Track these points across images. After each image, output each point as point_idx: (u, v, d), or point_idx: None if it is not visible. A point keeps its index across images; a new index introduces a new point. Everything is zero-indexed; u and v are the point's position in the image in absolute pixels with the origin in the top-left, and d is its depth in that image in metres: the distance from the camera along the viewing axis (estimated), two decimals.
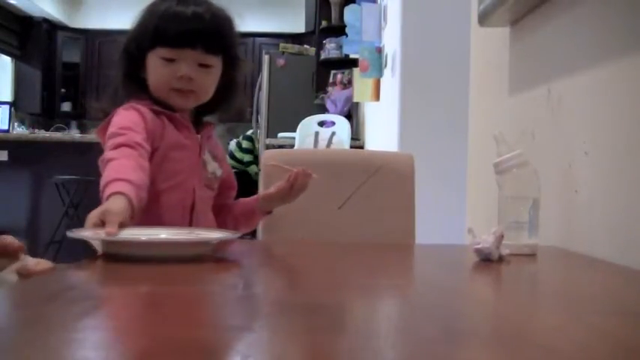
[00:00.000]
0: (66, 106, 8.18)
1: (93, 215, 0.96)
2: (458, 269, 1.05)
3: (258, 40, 8.52)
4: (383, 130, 3.88)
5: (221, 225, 1.29)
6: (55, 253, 4.62)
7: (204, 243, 0.99)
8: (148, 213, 1.09)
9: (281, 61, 5.64)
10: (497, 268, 0.96)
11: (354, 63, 4.65)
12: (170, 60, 1.21)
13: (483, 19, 1.62)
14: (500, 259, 0.98)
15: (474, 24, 1.87)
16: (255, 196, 1.36)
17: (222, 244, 1.02)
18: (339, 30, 5.20)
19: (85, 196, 4.67)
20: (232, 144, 6.77)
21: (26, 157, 5.40)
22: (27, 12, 7.78)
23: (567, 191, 1.24)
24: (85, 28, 8.50)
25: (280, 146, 4.60)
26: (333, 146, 4.40)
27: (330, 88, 5.39)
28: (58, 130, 7.02)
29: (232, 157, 6.59)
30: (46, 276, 0.91)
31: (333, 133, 4.52)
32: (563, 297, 0.79)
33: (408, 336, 0.56)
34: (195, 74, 1.21)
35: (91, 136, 5.06)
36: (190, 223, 1.20)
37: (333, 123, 4.67)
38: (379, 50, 3.77)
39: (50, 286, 0.77)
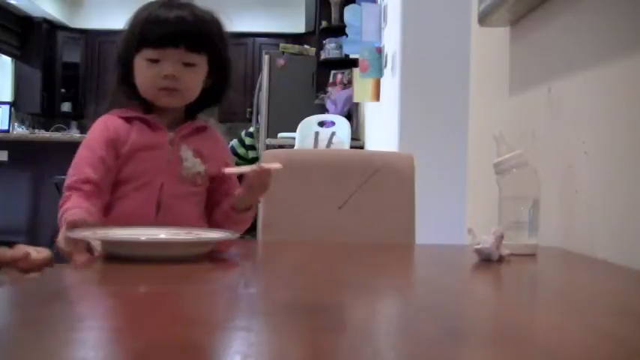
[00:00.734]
0: (66, 106, 8.17)
1: (60, 240, 1.08)
2: (458, 269, 1.05)
3: (258, 40, 8.52)
4: (383, 130, 3.88)
5: (213, 219, 1.32)
6: (55, 253, 4.62)
7: (204, 243, 0.99)
8: (115, 211, 1.23)
9: (281, 61, 5.64)
10: (497, 268, 0.96)
11: (354, 63, 4.65)
12: (155, 61, 1.25)
13: (483, 19, 1.62)
14: (501, 259, 0.98)
15: (474, 24, 1.87)
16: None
17: (222, 244, 1.02)
18: (339, 30, 5.20)
19: None
20: (234, 141, 6.79)
21: (26, 157, 5.41)
22: (27, 12, 7.78)
23: (567, 191, 1.24)
24: (85, 28, 8.50)
25: (280, 146, 4.60)
26: (333, 146, 4.40)
27: (330, 88, 5.38)
28: (58, 130, 7.02)
29: (235, 153, 6.60)
30: (46, 272, 0.91)
31: (333, 133, 4.52)
32: (563, 297, 0.79)
33: (408, 336, 0.56)
34: (180, 73, 1.25)
35: None
36: (156, 219, 1.23)
37: (333, 123, 4.67)
38: (379, 50, 3.77)
39: (50, 286, 0.77)
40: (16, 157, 5.41)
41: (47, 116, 8.05)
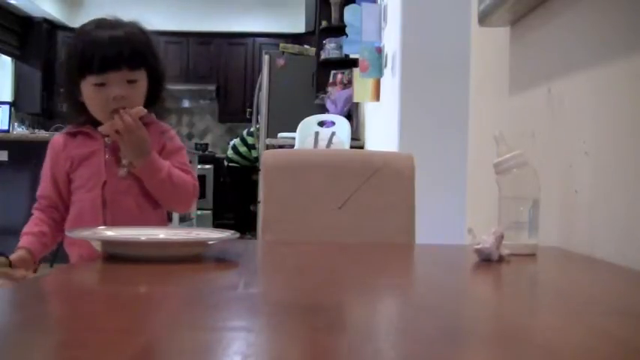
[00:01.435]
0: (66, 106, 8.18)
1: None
2: (458, 269, 1.05)
3: (258, 40, 8.52)
4: (383, 130, 3.88)
5: (152, 198, 1.45)
6: (54, 253, 4.62)
7: (203, 243, 0.99)
8: (72, 213, 1.43)
9: (281, 61, 5.64)
10: (497, 268, 0.96)
11: (354, 63, 4.65)
12: (101, 85, 1.37)
13: (483, 19, 1.62)
14: (500, 259, 0.98)
15: (474, 24, 1.87)
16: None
17: (222, 244, 1.02)
18: (339, 30, 5.20)
19: None
20: (236, 140, 6.80)
21: (26, 157, 5.40)
22: (27, 12, 7.78)
23: (567, 191, 1.24)
24: None
25: (280, 146, 4.60)
26: (333, 146, 4.40)
27: (330, 88, 5.38)
28: (58, 130, 6.99)
29: (237, 152, 6.61)
30: (44, 276, 0.91)
31: (333, 133, 4.52)
32: (563, 297, 0.79)
33: (408, 336, 0.56)
34: (126, 92, 1.38)
35: None
36: (104, 215, 1.40)
37: (333, 123, 4.68)
38: (379, 50, 3.77)
39: (50, 286, 0.77)
40: (16, 157, 5.41)
41: (47, 116, 8.04)
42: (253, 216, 6.51)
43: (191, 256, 0.94)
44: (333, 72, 5.48)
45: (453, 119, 2.95)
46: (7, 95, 7.80)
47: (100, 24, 1.42)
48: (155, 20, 8.83)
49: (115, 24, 1.42)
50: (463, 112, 2.14)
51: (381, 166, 1.66)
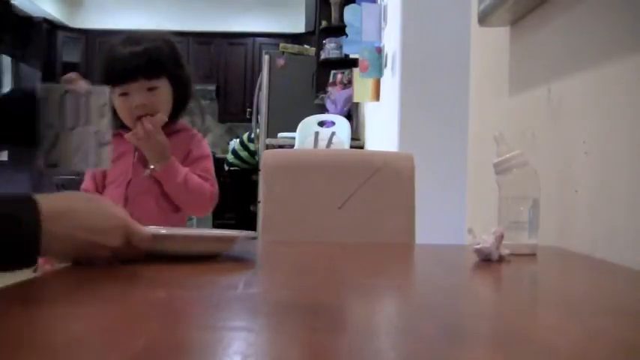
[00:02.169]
0: None
1: None
2: (458, 269, 1.05)
3: (258, 40, 8.52)
4: (383, 130, 3.88)
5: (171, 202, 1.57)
6: None
7: (228, 239, 1.01)
8: None
9: (281, 61, 5.64)
10: (497, 268, 0.96)
11: (354, 63, 4.65)
12: (124, 94, 1.51)
13: (483, 19, 1.62)
14: (500, 259, 0.98)
15: (474, 24, 1.88)
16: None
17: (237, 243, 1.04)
18: (339, 30, 5.20)
19: None
20: (235, 143, 6.79)
21: (26, 157, 5.40)
22: (27, 12, 7.79)
23: (567, 191, 1.24)
24: (85, 28, 8.50)
25: (280, 146, 4.60)
26: (333, 146, 4.40)
27: (330, 88, 5.38)
28: None
29: (237, 156, 6.61)
30: (46, 272, 0.91)
31: (333, 133, 4.52)
32: (563, 297, 0.79)
33: (408, 336, 0.56)
34: (146, 99, 1.51)
35: None
36: (125, 209, 1.47)
37: (333, 123, 4.68)
38: (379, 50, 3.77)
39: (50, 286, 0.77)
40: (16, 157, 5.41)
41: None
42: (253, 216, 6.51)
43: (210, 255, 0.95)
44: (333, 72, 5.48)
45: (453, 119, 2.95)
46: None
47: (125, 40, 1.55)
48: (155, 20, 8.84)
49: (138, 39, 1.54)
50: (463, 112, 2.14)
51: (381, 166, 1.66)
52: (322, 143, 4.44)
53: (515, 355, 0.50)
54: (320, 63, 5.64)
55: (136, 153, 1.56)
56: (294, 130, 4.61)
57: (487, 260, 0.98)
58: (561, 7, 1.32)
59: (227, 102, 8.62)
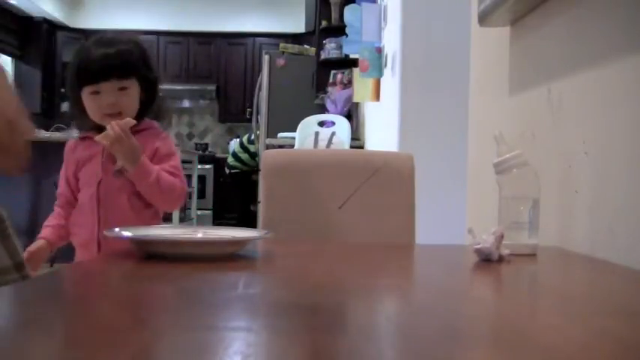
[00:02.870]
0: (66, 106, 8.08)
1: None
2: (458, 269, 1.05)
3: (258, 40, 8.53)
4: (383, 130, 3.88)
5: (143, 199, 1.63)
6: (54, 253, 4.62)
7: (241, 242, 1.03)
8: (75, 209, 1.65)
9: (281, 61, 5.64)
10: (497, 268, 0.96)
11: (354, 63, 4.65)
12: (96, 92, 1.57)
13: (483, 19, 1.62)
14: (501, 259, 0.98)
15: (474, 24, 1.88)
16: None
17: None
18: (339, 30, 5.20)
19: None
20: (235, 145, 6.78)
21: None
22: (27, 12, 7.78)
23: (567, 191, 1.24)
24: (85, 28, 8.50)
25: (280, 146, 4.60)
26: (333, 146, 4.40)
27: (330, 88, 5.38)
28: (58, 130, 7.01)
29: (237, 158, 6.60)
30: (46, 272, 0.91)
31: (333, 133, 4.52)
32: (563, 297, 0.79)
33: (408, 336, 0.56)
34: (117, 98, 1.58)
35: None
36: (99, 211, 1.61)
37: (333, 123, 4.67)
38: (379, 50, 3.77)
39: (50, 286, 0.77)
40: None
41: (47, 116, 8.04)
42: (253, 216, 6.51)
43: (224, 255, 0.97)
44: (333, 72, 5.48)
45: (453, 119, 2.95)
46: None
47: (97, 42, 1.61)
48: (155, 20, 8.86)
49: (110, 41, 1.61)
50: (463, 112, 2.14)
51: (381, 166, 1.66)
52: (322, 143, 4.44)
53: (515, 355, 0.50)
54: (320, 63, 5.64)
55: (104, 152, 1.61)
56: (294, 130, 4.61)
57: (487, 260, 0.98)
58: (561, 7, 1.32)
59: (227, 102, 8.62)
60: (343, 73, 5.38)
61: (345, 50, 4.94)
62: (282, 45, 6.00)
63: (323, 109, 5.32)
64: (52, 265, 3.94)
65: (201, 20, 8.55)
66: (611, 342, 0.54)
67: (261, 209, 1.68)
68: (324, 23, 5.80)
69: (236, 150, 6.68)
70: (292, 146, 4.49)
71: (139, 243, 1.00)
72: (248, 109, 7.66)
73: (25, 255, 1.49)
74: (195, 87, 8.48)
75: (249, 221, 6.51)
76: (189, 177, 6.66)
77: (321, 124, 4.69)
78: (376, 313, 0.68)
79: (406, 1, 3.17)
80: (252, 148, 6.40)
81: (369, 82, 3.99)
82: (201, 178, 7.78)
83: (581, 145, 1.18)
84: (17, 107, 0.92)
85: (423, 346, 0.51)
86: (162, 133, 1.72)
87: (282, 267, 1.00)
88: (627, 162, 1.03)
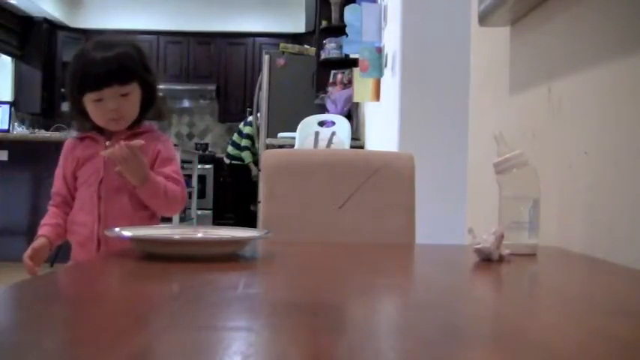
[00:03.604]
0: (66, 106, 8.06)
1: (26, 255, 1.58)
2: (458, 269, 1.05)
3: (258, 40, 8.53)
4: (383, 130, 3.88)
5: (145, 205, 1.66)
6: (54, 252, 4.62)
7: (241, 242, 1.03)
8: (75, 204, 1.67)
9: (281, 61, 5.64)
10: (497, 268, 0.96)
11: (354, 63, 4.65)
12: (98, 100, 1.60)
13: (483, 18, 1.62)
14: (501, 259, 0.98)
15: (474, 24, 1.88)
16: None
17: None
18: (339, 30, 5.20)
19: None
20: (234, 136, 6.80)
21: (26, 157, 5.40)
22: (27, 12, 7.79)
23: (567, 191, 1.24)
24: (85, 28, 8.51)
25: (280, 146, 4.60)
26: (333, 146, 4.40)
27: (330, 88, 5.38)
28: (58, 130, 7.02)
29: (238, 146, 6.62)
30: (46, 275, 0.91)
31: (333, 133, 4.51)
32: (563, 297, 0.79)
33: (408, 336, 0.56)
34: (119, 104, 1.61)
35: None
36: (99, 209, 1.63)
37: (333, 123, 4.67)
38: (379, 50, 3.77)
39: (50, 286, 0.77)
40: (16, 157, 5.41)
41: (47, 116, 8.05)
42: (253, 216, 6.51)
43: (225, 255, 0.97)
44: (333, 72, 5.48)
45: (453, 119, 2.95)
46: (7, 95, 7.80)
47: (96, 45, 1.62)
48: (155, 20, 8.86)
49: (109, 44, 1.62)
50: (463, 112, 2.14)
51: (381, 166, 1.66)
52: (322, 143, 4.44)
53: (515, 355, 0.50)
54: (320, 63, 5.64)
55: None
56: (294, 130, 4.61)
57: (487, 260, 0.98)
58: (561, 7, 1.32)
59: (227, 102, 8.62)
60: (343, 73, 5.38)
61: (345, 50, 4.94)
62: (282, 45, 6.00)
63: (323, 109, 5.32)
64: (52, 265, 3.94)
65: (201, 20, 8.56)
66: (610, 342, 0.54)
67: (261, 209, 1.68)
68: (324, 23, 5.79)
69: (234, 138, 6.68)
70: (292, 146, 4.49)
71: (139, 243, 1.00)
72: (248, 109, 7.66)
73: (29, 252, 1.58)
74: (195, 87, 8.48)
75: (249, 221, 6.51)
76: (189, 177, 6.66)
77: (321, 124, 4.68)
78: (376, 312, 0.68)
79: (406, 1, 3.17)
80: (245, 129, 6.41)
81: (369, 82, 3.98)
82: (201, 178, 7.78)
83: (581, 144, 1.18)
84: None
85: (423, 346, 0.51)
86: (162, 135, 1.75)
87: (282, 267, 1.00)
88: (627, 162, 1.03)
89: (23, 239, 5.20)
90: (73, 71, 1.63)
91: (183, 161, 6.23)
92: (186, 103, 8.70)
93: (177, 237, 1.04)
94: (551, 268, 1.08)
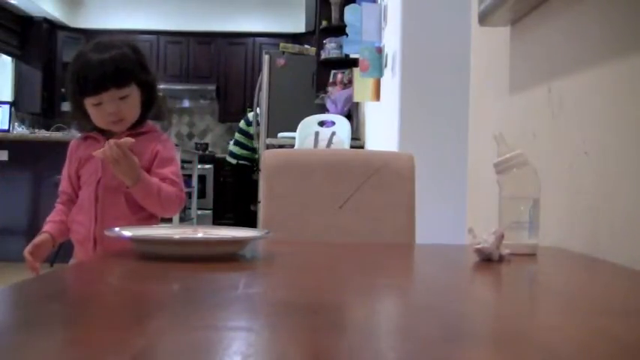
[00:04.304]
0: (66, 106, 8.08)
1: (26, 251, 1.62)
2: (458, 269, 1.05)
3: (258, 40, 8.53)
4: (383, 130, 3.88)
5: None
6: (54, 253, 4.62)
7: (241, 242, 1.03)
8: (75, 206, 1.70)
9: (281, 61, 5.64)
10: (497, 268, 0.96)
11: (354, 63, 4.65)
12: (98, 104, 1.62)
13: (484, 18, 1.62)
14: (501, 259, 0.98)
15: (474, 24, 1.88)
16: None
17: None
18: (339, 30, 5.20)
19: None
20: (236, 135, 6.78)
21: (26, 157, 5.41)
22: (27, 12, 7.78)
23: (567, 191, 1.24)
24: (85, 28, 8.51)
25: (280, 146, 4.60)
26: (333, 146, 4.40)
27: (330, 88, 5.38)
28: (58, 129, 7.02)
29: (243, 146, 6.58)
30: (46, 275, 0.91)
31: (333, 133, 4.51)
32: (563, 297, 0.79)
33: (408, 336, 0.56)
34: (118, 107, 1.62)
35: None
36: (96, 208, 1.65)
37: (333, 123, 4.67)
38: (379, 50, 3.77)
39: (50, 286, 0.77)
40: (16, 157, 5.41)
41: (47, 116, 8.05)
42: (253, 216, 6.50)
43: (225, 255, 0.97)
44: (333, 72, 5.48)
45: (453, 119, 2.95)
46: (7, 95, 7.80)
47: (94, 47, 1.64)
48: (155, 20, 8.85)
49: (105, 46, 1.63)
50: (463, 112, 2.14)
51: (381, 166, 1.66)
52: (322, 143, 4.44)
53: (515, 355, 0.50)
54: (320, 63, 5.64)
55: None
56: (294, 130, 4.61)
57: (487, 260, 0.98)
58: (562, 7, 1.32)
59: (227, 102, 8.62)
60: (343, 73, 5.38)
61: (345, 50, 4.94)
62: (282, 45, 6.00)
63: (323, 109, 5.32)
64: (52, 265, 3.94)
65: (201, 20, 8.55)
66: (610, 342, 0.54)
67: (261, 209, 1.68)
68: (324, 23, 5.79)
69: (237, 137, 6.66)
70: (292, 146, 4.49)
71: (139, 243, 1.00)
72: (248, 109, 7.66)
73: (29, 248, 1.61)
74: (195, 87, 8.48)
75: (249, 221, 6.50)
76: (189, 177, 6.67)
77: (321, 124, 4.68)
78: (376, 312, 0.68)
79: (406, 1, 3.17)
80: (250, 130, 6.39)
81: (369, 82, 3.99)
82: (201, 178, 7.78)
83: (582, 144, 1.18)
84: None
85: (423, 346, 0.51)
86: (162, 135, 1.76)
87: (282, 267, 1.00)
88: (627, 161, 1.03)
89: (23, 239, 5.19)
90: (72, 74, 1.65)
91: (183, 161, 6.23)
92: (186, 103, 8.70)
93: (177, 237, 1.04)
94: (551, 268, 1.08)
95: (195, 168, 7.00)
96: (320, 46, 5.72)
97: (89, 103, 1.62)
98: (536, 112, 1.42)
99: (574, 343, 0.53)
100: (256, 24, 8.54)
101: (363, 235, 1.61)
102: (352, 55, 4.97)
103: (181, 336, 0.53)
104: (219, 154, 8.27)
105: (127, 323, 0.58)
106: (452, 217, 2.61)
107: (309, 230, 1.62)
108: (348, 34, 4.12)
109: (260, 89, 5.64)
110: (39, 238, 1.64)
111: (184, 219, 6.44)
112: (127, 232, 1.02)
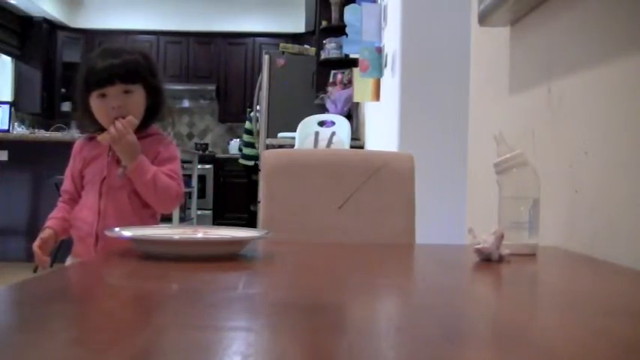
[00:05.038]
0: (66, 106, 8.16)
1: (35, 245, 1.67)
2: (458, 269, 1.05)
3: (258, 40, 8.53)
4: (383, 130, 3.88)
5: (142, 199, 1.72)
6: (54, 253, 4.62)
7: (241, 242, 1.03)
8: (80, 201, 1.74)
9: (281, 61, 5.64)
10: (497, 268, 0.96)
11: (354, 63, 4.65)
12: (103, 95, 1.66)
13: (483, 18, 1.62)
14: (501, 259, 0.98)
15: (474, 24, 1.88)
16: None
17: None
18: (339, 30, 5.19)
19: None
20: (243, 137, 6.76)
21: (26, 157, 5.40)
22: (27, 12, 7.78)
23: (567, 191, 1.24)
24: (85, 28, 8.51)
25: (280, 146, 4.60)
26: (333, 146, 4.40)
27: (330, 88, 5.38)
28: (58, 130, 7.02)
29: (251, 145, 6.54)
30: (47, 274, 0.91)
31: (333, 133, 4.51)
32: (563, 297, 0.79)
33: (408, 336, 0.56)
34: (122, 101, 1.66)
35: None
36: (99, 205, 1.69)
37: (333, 123, 4.67)
38: (379, 50, 3.77)
39: (50, 286, 0.77)
40: (16, 157, 5.41)
41: (47, 116, 8.04)
42: (253, 216, 6.50)
43: (225, 255, 0.97)
44: (333, 72, 5.47)
45: (453, 119, 2.95)
46: (7, 95, 7.80)
47: (104, 52, 1.70)
48: (155, 20, 8.85)
49: (116, 52, 1.69)
50: (463, 112, 2.14)
51: (381, 166, 1.66)
52: (322, 143, 4.44)
53: (515, 355, 0.50)
54: (320, 63, 5.64)
55: (110, 153, 1.71)
56: (294, 130, 4.61)
57: (487, 260, 0.98)
58: (562, 7, 1.32)
59: (227, 102, 8.62)
60: (343, 73, 5.38)
61: (345, 50, 4.94)
62: (282, 45, 6.00)
63: (323, 109, 5.31)
64: (51, 265, 3.93)
65: (201, 20, 8.55)
66: (611, 342, 0.54)
67: (261, 209, 1.68)
68: (324, 23, 5.79)
69: (244, 138, 6.63)
70: (292, 146, 4.49)
71: (140, 243, 1.00)
72: (248, 109, 7.66)
73: (38, 242, 1.67)
74: (195, 87, 8.48)
75: (249, 221, 6.50)
76: (189, 177, 6.66)
77: (321, 124, 4.68)
78: (376, 312, 0.68)
79: (406, 1, 3.17)
80: (248, 125, 6.36)
81: (369, 82, 3.98)
82: (201, 178, 7.78)
83: (582, 144, 1.18)
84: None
85: (423, 346, 0.51)
86: (166, 138, 1.81)
87: (282, 267, 1.00)
88: (627, 161, 1.03)
89: (23, 239, 5.20)
90: (81, 74, 1.70)
91: (183, 161, 6.20)
92: (186, 103, 8.70)
93: (177, 237, 1.04)
94: (551, 268, 1.08)
95: (195, 168, 7.00)
96: (320, 46, 5.71)
97: (94, 96, 1.66)
98: (536, 112, 1.42)
99: (574, 343, 0.53)
100: (256, 24, 8.54)
101: (362, 236, 1.61)
102: (352, 55, 4.96)
103: (181, 336, 0.53)
104: (219, 154, 8.26)
105: (127, 323, 0.58)
106: (452, 217, 2.61)
107: (309, 230, 1.62)
108: (348, 34, 4.12)
109: (260, 89, 5.64)
110: (45, 233, 1.69)
111: (184, 219, 6.44)
112: (127, 233, 1.02)
